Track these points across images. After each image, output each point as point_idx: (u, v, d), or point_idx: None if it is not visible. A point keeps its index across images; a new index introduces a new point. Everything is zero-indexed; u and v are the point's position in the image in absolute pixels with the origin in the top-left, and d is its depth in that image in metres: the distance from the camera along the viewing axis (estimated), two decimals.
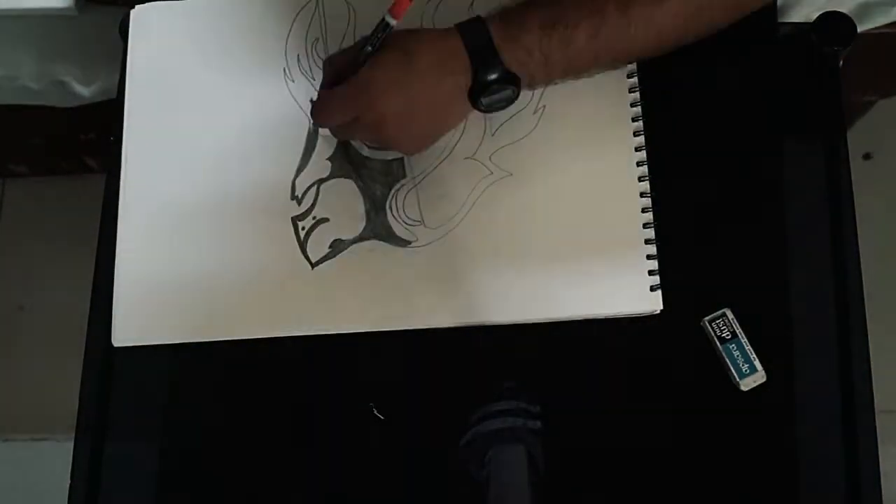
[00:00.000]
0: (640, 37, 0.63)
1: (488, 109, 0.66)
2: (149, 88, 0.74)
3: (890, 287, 1.27)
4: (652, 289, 0.66)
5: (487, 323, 0.66)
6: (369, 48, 0.63)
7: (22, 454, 1.47)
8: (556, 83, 0.68)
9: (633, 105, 0.69)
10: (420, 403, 0.67)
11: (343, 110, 0.65)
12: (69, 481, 0.68)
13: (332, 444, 0.68)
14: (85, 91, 1.03)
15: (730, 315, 0.66)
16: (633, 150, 0.69)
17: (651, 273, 0.66)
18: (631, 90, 0.70)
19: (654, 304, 0.66)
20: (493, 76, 0.63)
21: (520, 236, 0.68)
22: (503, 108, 0.67)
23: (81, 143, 1.32)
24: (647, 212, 0.67)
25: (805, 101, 0.73)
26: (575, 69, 0.65)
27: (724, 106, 0.72)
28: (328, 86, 0.67)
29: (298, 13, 0.74)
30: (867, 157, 1.51)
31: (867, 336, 0.67)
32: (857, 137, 1.29)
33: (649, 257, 0.67)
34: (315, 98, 0.70)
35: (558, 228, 0.68)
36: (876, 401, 0.65)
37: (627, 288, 0.66)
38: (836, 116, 0.72)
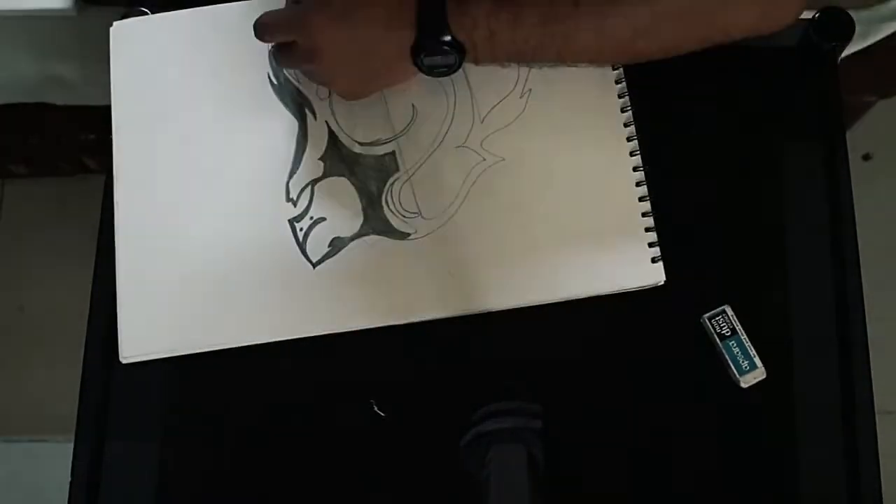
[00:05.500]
0: (589, 35, 0.63)
1: (429, 72, 0.66)
2: (134, 102, 0.74)
3: (890, 287, 1.27)
4: (653, 261, 0.67)
5: (492, 309, 0.67)
6: None
7: (22, 455, 1.47)
8: (504, 65, 0.68)
9: (617, 82, 0.70)
10: (420, 403, 0.67)
11: (283, 30, 0.66)
12: (69, 482, 0.68)
13: (333, 443, 0.68)
14: (84, 91, 1.03)
15: (729, 312, 0.66)
16: (623, 125, 0.69)
17: (651, 245, 0.67)
18: (614, 66, 0.70)
19: (656, 275, 0.67)
20: (438, 39, 0.63)
21: (517, 220, 0.69)
22: (445, 74, 0.66)
23: (81, 144, 1.31)
24: (641, 185, 0.68)
25: (804, 100, 0.73)
26: (520, 53, 0.64)
27: (722, 104, 0.72)
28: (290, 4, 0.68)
29: None
30: (866, 157, 1.51)
31: (867, 336, 0.67)
32: (857, 138, 1.29)
33: (647, 230, 0.67)
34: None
35: (555, 209, 0.68)
36: (876, 401, 0.65)
37: (628, 262, 0.67)
38: (836, 114, 0.72)
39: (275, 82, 0.73)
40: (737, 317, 0.66)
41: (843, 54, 0.74)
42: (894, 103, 1.29)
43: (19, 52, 0.98)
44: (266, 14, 0.67)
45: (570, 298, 0.67)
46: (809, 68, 0.73)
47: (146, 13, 0.76)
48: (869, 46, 0.97)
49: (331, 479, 0.68)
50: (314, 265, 0.69)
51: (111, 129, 0.74)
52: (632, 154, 0.69)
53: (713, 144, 0.71)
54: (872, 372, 0.66)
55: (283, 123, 0.72)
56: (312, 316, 0.68)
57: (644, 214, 0.68)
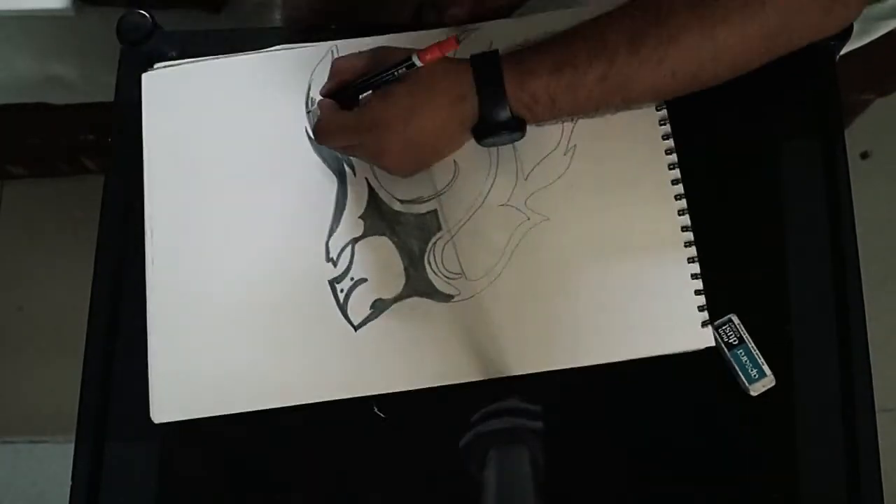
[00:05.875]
0: (652, 77, 0.62)
1: (490, 145, 0.67)
2: (168, 158, 0.72)
3: (890, 286, 1.27)
4: (703, 325, 0.65)
5: (542, 370, 0.65)
6: (386, 77, 0.63)
7: (22, 455, 1.47)
8: (565, 120, 0.68)
9: (665, 138, 0.68)
10: (420, 403, 0.67)
11: (347, 138, 0.65)
12: (69, 483, 0.68)
13: (333, 443, 0.68)
14: (84, 91, 1.03)
15: (736, 320, 0.66)
16: (671, 183, 0.67)
17: (700, 309, 0.65)
18: (661, 122, 0.69)
19: (705, 340, 0.65)
20: (499, 118, 0.63)
21: (564, 281, 0.66)
22: (505, 144, 0.67)
23: (79, 145, 1.32)
24: (690, 246, 0.66)
25: (803, 98, 0.73)
26: (584, 109, 0.64)
27: (721, 103, 0.72)
28: (328, 93, 0.67)
29: (316, 67, 0.72)
30: (865, 155, 1.51)
31: (867, 336, 0.67)
32: (855, 136, 1.30)
33: (697, 293, 0.65)
34: (316, 109, 0.68)
35: (602, 270, 0.66)
36: (876, 401, 0.65)
37: (678, 326, 0.65)
38: (835, 112, 0.72)
39: (313, 137, 0.70)
40: (736, 316, 0.66)
41: (841, 52, 0.74)
42: (892, 101, 1.29)
43: (18, 52, 0.98)
44: (327, 121, 0.65)
45: (614, 361, 0.65)
46: (808, 67, 0.73)
47: (145, 15, 0.76)
48: (867, 44, 0.97)
49: (331, 480, 0.68)
50: (356, 328, 0.67)
51: (110, 130, 0.74)
52: (680, 213, 0.67)
53: (712, 144, 0.71)
54: (872, 371, 0.66)
55: (321, 180, 0.70)
56: (353, 379, 0.66)
57: (693, 276, 0.66)
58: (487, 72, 0.63)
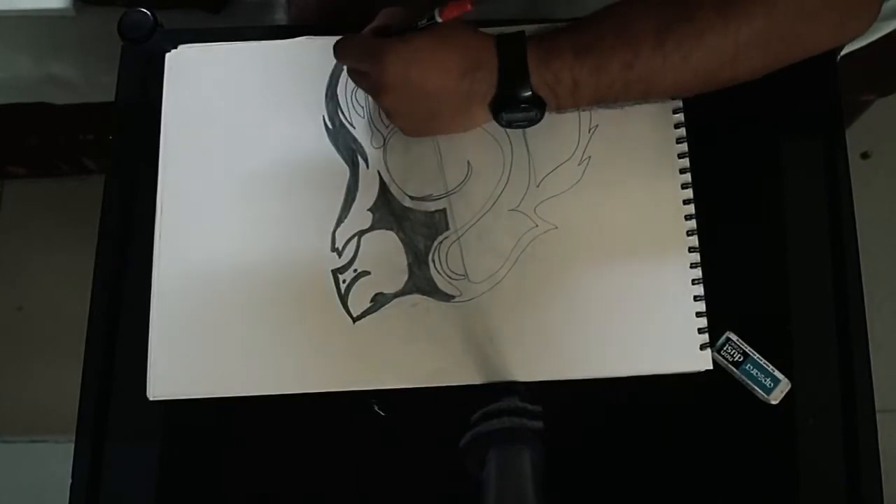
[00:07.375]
0: (675, 72, 0.62)
1: (508, 125, 0.67)
2: (184, 135, 0.72)
3: (890, 286, 1.27)
4: (701, 347, 0.65)
5: (534, 380, 0.65)
6: (411, 26, 0.64)
7: (22, 455, 1.47)
8: (584, 110, 0.68)
9: (680, 157, 0.68)
10: (420, 403, 0.67)
11: (357, 59, 0.66)
12: (69, 482, 0.68)
13: (332, 442, 0.68)
14: (84, 90, 1.03)
15: (734, 337, 0.66)
16: (682, 203, 0.67)
17: (700, 331, 0.65)
18: (679, 141, 0.69)
19: (703, 362, 0.65)
20: (519, 95, 0.63)
21: (565, 292, 0.66)
22: (523, 127, 0.67)
23: (80, 145, 1.32)
24: (695, 267, 0.66)
25: (804, 98, 0.73)
26: (605, 98, 0.64)
27: (721, 103, 0.72)
28: (371, 32, 0.67)
29: None
30: (865, 155, 1.51)
31: (867, 336, 0.67)
32: (856, 136, 1.30)
33: (699, 315, 0.65)
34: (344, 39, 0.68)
35: (605, 285, 0.66)
36: (876, 401, 0.65)
37: (676, 346, 0.65)
38: (835, 112, 0.72)
39: (329, 126, 0.71)
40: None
41: (842, 52, 0.74)
42: (892, 102, 1.29)
43: (18, 52, 0.98)
44: (346, 37, 0.66)
45: (609, 376, 0.65)
46: (809, 67, 0.73)
47: (146, 13, 0.76)
48: (868, 45, 0.97)
49: (331, 479, 0.68)
50: (354, 320, 0.67)
51: (110, 130, 0.74)
52: (689, 234, 0.67)
53: (712, 144, 0.71)
54: (872, 370, 0.66)
55: (334, 169, 0.70)
56: (348, 372, 0.66)
57: (696, 298, 0.65)
58: (511, 46, 0.63)
